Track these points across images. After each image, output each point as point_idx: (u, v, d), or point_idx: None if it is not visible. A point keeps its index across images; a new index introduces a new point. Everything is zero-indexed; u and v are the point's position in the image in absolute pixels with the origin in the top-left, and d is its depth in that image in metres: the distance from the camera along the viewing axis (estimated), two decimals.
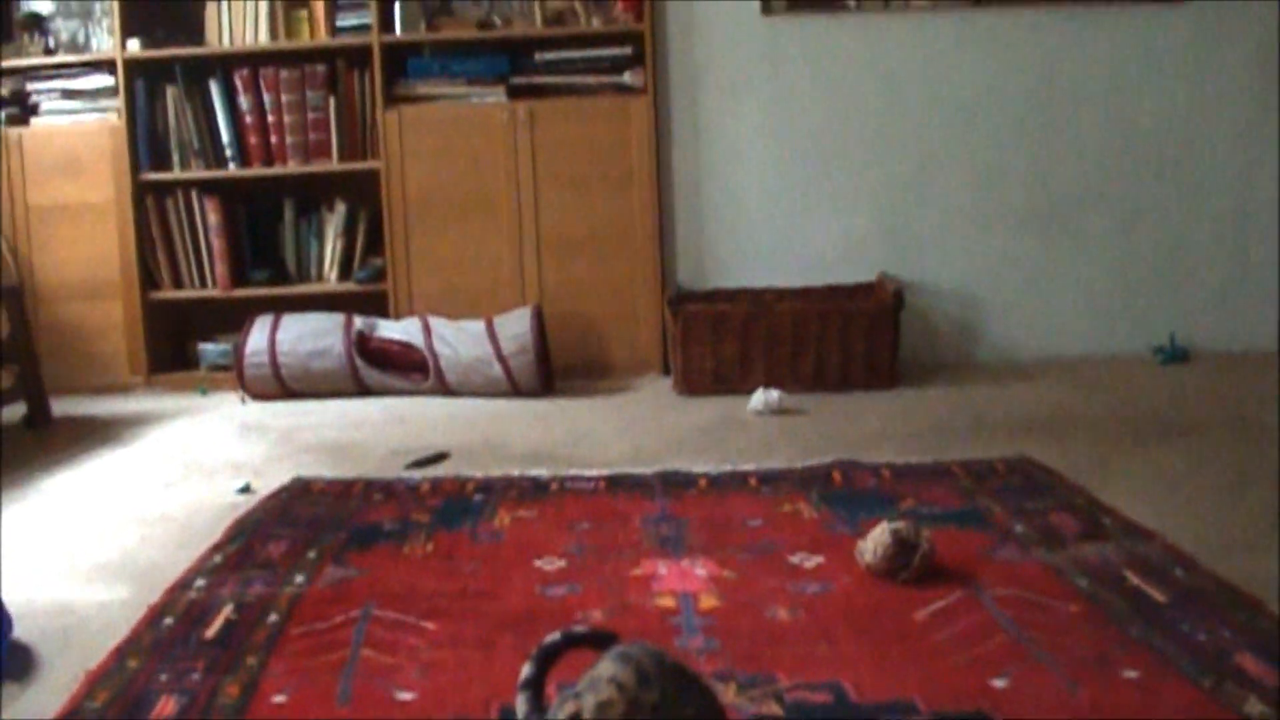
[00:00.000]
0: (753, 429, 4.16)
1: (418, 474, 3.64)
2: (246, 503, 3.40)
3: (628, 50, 5.03)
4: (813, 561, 2.78)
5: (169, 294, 5.20)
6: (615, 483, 3.48)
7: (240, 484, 3.57)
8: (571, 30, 5.04)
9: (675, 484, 3.44)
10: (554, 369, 4.88)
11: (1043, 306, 5.18)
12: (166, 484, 3.69)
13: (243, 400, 4.83)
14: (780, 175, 5.16)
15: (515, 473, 3.59)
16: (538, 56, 5.06)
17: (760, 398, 4.38)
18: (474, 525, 3.12)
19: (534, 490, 3.42)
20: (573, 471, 3.60)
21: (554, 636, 1.93)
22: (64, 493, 3.66)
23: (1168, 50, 5.08)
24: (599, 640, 1.93)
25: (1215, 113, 5.09)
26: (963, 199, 5.15)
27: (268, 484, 3.57)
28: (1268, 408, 4.15)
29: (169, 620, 2.53)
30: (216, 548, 3.00)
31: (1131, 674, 2.14)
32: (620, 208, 5.01)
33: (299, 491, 3.49)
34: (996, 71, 5.10)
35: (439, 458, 3.83)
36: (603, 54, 5.03)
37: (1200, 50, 5.07)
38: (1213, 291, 5.14)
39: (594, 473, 3.58)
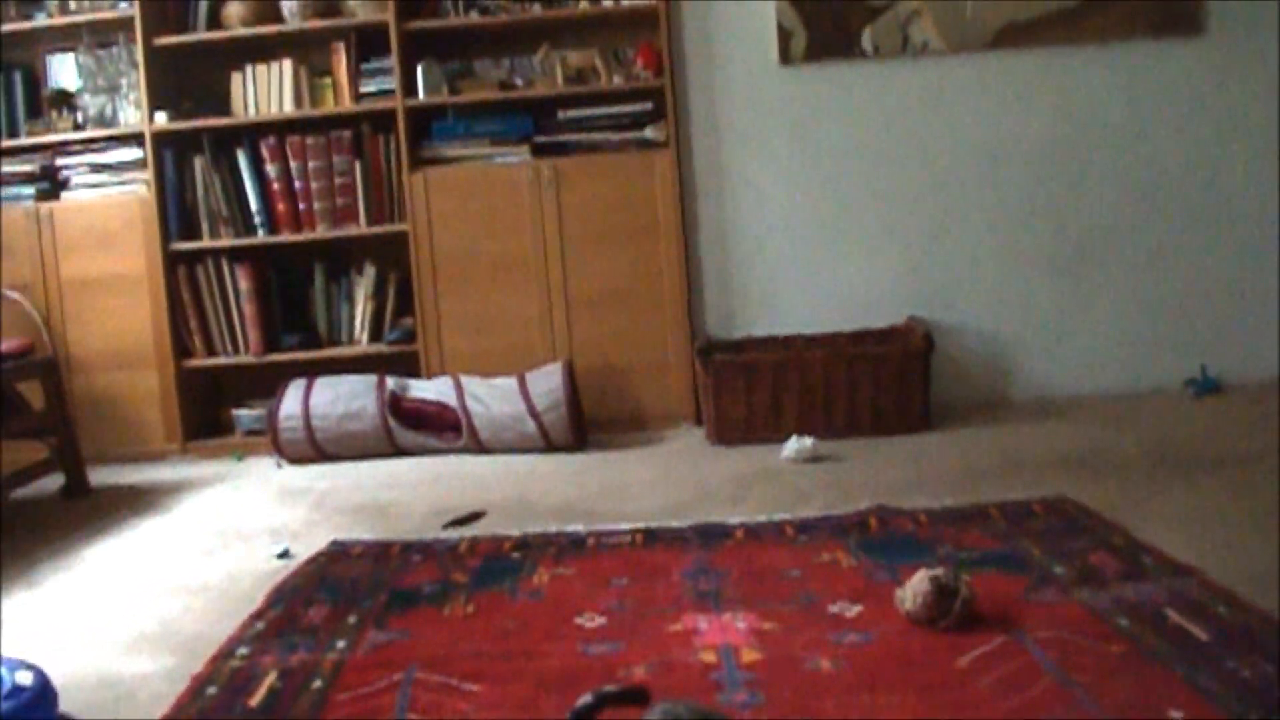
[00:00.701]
0: (787, 477, 4.15)
1: (455, 534, 3.66)
2: (286, 568, 3.42)
3: (649, 105, 5.07)
4: (853, 611, 2.78)
5: (202, 361, 5.25)
6: (652, 536, 3.48)
7: (279, 549, 3.59)
8: (592, 88, 5.08)
9: (712, 536, 3.44)
10: (587, 423, 4.89)
11: (1073, 344, 5.17)
12: (206, 551, 3.71)
13: (278, 465, 4.86)
14: (805, 222, 5.18)
15: (552, 529, 3.60)
16: (560, 115, 5.11)
17: (794, 445, 4.38)
18: (513, 584, 3.13)
19: (571, 547, 3.42)
20: (609, 526, 3.60)
21: (586, 698, 1.93)
22: (105, 563, 3.69)
23: (1187, 84, 5.09)
24: (632, 697, 1.93)
25: (1236, 143, 5.09)
26: (988, 240, 5.16)
27: (306, 548, 3.59)
28: None
29: (213, 690, 2.55)
30: (258, 615, 3.01)
31: (1177, 715, 2.13)
32: (647, 260, 5.04)
33: (338, 555, 3.50)
34: (1016, 113, 5.11)
35: (475, 516, 3.84)
36: (624, 110, 5.07)
37: (1219, 82, 5.08)
38: (1242, 321, 5.12)
39: (630, 526, 3.58)
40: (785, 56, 5.08)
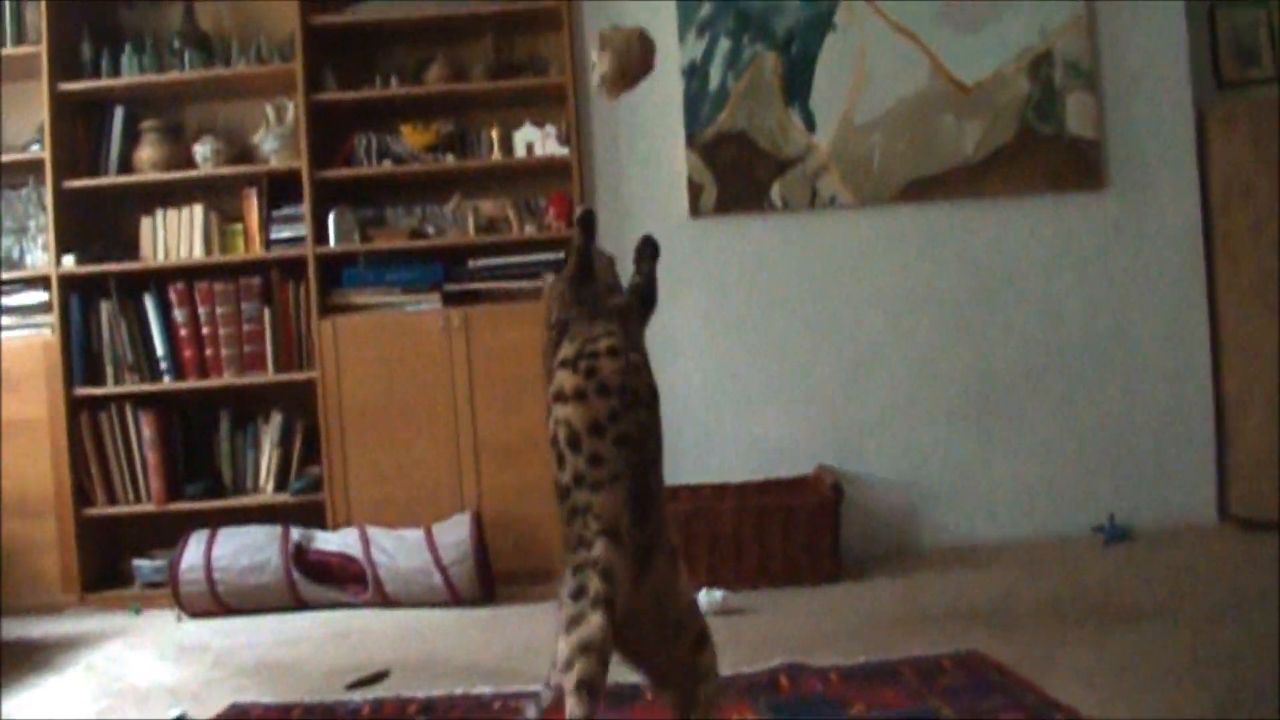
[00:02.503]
0: None
1: (358, 696, 3.57)
2: None
3: (560, 255, 5.08)
4: None
5: (103, 510, 5.13)
6: (560, 701, 3.41)
7: (175, 713, 3.47)
8: (504, 237, 5.12)
9: (621, 698, 3.38)
10: (495, 575, 4.83)
11: (983, 492, 5.21)
12: (99, 714, 3.58)
13: (178, 618, 4.74)
14: (716, 371, 5.21)
15: (458, 691, 3.52)
16: (471, 263, 5.13)
17: (704, 598, 4.33)
18: None
19: (478, 710, 3.35)
20: (516, 688, 3.53)
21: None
22: None
23: (1093, 236, 5.22)
24: None
25: (1143, 294, 5.21)
26: (899, 389, 5.21)
27: (204, 710, 3.48)
28: (1211, 586, 4.16)
29: None
30: None
31: None
32: None
33: (236, 719, 3.40)
34: (923, 265, 5.21)
35: (379, 677, 3.75)
36: (536, 259, 5.09)
37: (1125, 235, 5.21)
38: (1150, 469, 5.19)
39: (538, 689, 3.51)
40: (695, 209, 5.15)
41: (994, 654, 3.54)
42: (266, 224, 5.17)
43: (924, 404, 5.22)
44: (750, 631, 4.06)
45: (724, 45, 5.14)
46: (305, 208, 5.08)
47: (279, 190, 5.20)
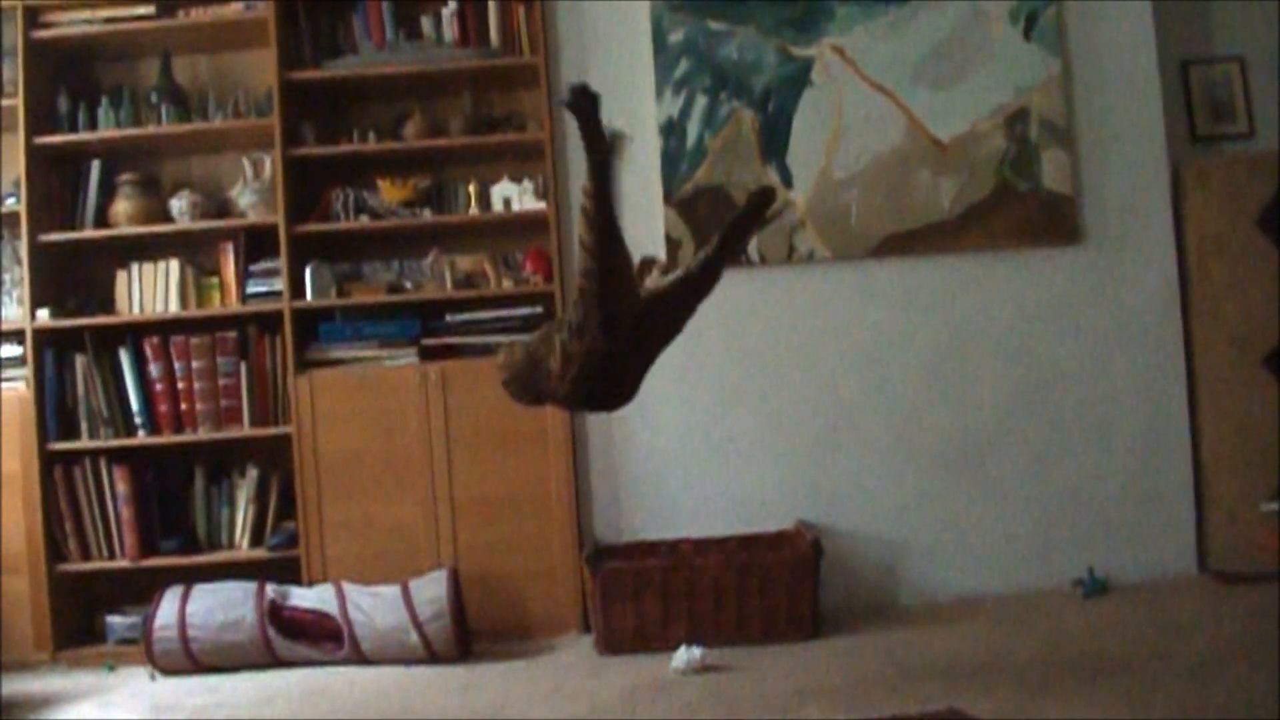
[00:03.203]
0: (676, 692, 4.08)
1: None
2: None
3: (538, 309, 5.09)
4: None
5: (77, 565, 5.08)
6: None
7: None
8: (482, 292, 5.11)
9: None
10: (472, 631, 4.80)
11: (962, 546, 5.19)
12: None
13: (152, 676, 4.69)
14: (694, 427, 5.19)
15: None
16: (449, 318, 5.12)
17: (683, 656, 4.32)
18: None
19: None
20: None
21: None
22: None
23: (1069, 290, 5.22)
24: None
25: (1120, 347, 5.21)
26: (877, 443, 5.20)
27: None
28: (1192, 639, 4.15)
29: None
30: None
31: None
32: (535, 465, 5.00)
33: None
34: (903, 319, 5.21)
35: None
36: (513, 314, 5.08)
37: (1101, 288, 5.22)
38: (1128, 522, 5.17)
39: None
40: (673, 263, 5.13)
41: (975, 711, 3.53)
42: (243, 278, 5.16)
43: (902, 459, 5.21)
44: (730, 690, 4.04)
45: (701, 102, 5.17)
46: (282, 262, 5.06)
47: (256, 244, 5.18)
